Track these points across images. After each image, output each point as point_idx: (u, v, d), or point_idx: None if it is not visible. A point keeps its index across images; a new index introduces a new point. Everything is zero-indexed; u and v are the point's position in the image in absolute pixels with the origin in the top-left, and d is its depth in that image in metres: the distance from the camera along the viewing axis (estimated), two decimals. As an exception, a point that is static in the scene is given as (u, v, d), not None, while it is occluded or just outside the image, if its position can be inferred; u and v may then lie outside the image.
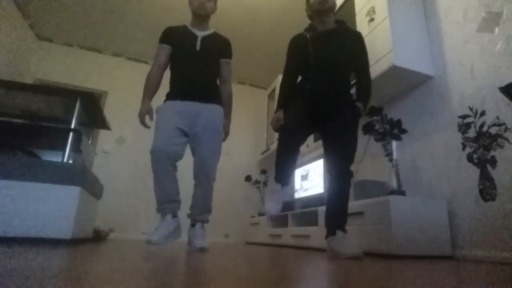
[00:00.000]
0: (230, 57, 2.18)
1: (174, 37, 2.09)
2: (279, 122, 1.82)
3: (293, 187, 3.57)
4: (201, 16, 2.09)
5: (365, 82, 1.85)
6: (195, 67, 2.02)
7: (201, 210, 1.99)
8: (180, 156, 1.94)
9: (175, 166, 1.93)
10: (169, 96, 2.03)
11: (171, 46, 2.07)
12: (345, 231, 1.67)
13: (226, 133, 2.17)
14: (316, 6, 1.84)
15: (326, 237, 1.69)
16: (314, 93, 1.77)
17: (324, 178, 3.12)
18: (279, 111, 1.86)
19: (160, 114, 1.97)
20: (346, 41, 1.84)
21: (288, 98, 1.86)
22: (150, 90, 2.01)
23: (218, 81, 2.19)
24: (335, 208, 1.71)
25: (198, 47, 2.03)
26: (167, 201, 1.89)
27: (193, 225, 1.99)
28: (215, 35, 2.15)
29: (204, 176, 1.96)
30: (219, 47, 2.13)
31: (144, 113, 1.95)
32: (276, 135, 2.07)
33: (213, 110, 2.02)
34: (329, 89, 1.78)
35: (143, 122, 1.96)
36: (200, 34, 2.08)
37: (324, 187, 3.06)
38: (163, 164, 1.85)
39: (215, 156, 2.00)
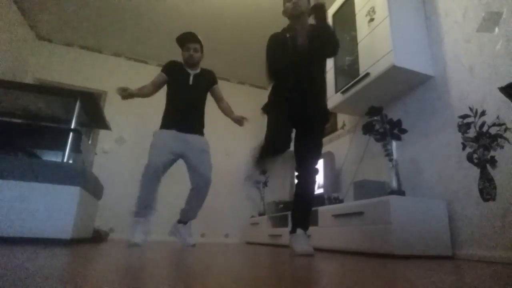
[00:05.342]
0: (217, 82, 2.67)
1: (170, 69, 2.54)
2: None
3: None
4: (191, 65, 2.55)
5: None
6: (188, 101, 2.47)
7: (195, 212, 2.49)
8: (165, 172, 2.37)
9: (160, 179, 2.32)
10: (165, 126, 2.43)
11: (167, 76, 2.51)
12: (305, 229, 1.82)
13: (241, 118, 2.57)
14: (289, 11, 2.00)
15: (290, 233, 1.86)
16: (295, 92, 1.91)
17: (324, 178, 3.12)
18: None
19: (155, 138, 2.40)
20: (321, 36, 1.96)
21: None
22: (139, 93, 2.46)
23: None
24: (299, 208, 1.89)
25: (191, 82, 2.50)
26: (146, 207, 2.27)
27: (185, 223, 2.47)
28: (202, 71, 2.61)
29: (205, 188, 2.43)
30: (207, 79, 2.61)
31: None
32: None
33: (200, 140, 2.49)
34: (309, 88, 1.92)
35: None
36: (192, 72, 2.55)
37: (324, 187, 3.06)
38: (152, 177, 2.27)
39: (210, 170, 2.47)
